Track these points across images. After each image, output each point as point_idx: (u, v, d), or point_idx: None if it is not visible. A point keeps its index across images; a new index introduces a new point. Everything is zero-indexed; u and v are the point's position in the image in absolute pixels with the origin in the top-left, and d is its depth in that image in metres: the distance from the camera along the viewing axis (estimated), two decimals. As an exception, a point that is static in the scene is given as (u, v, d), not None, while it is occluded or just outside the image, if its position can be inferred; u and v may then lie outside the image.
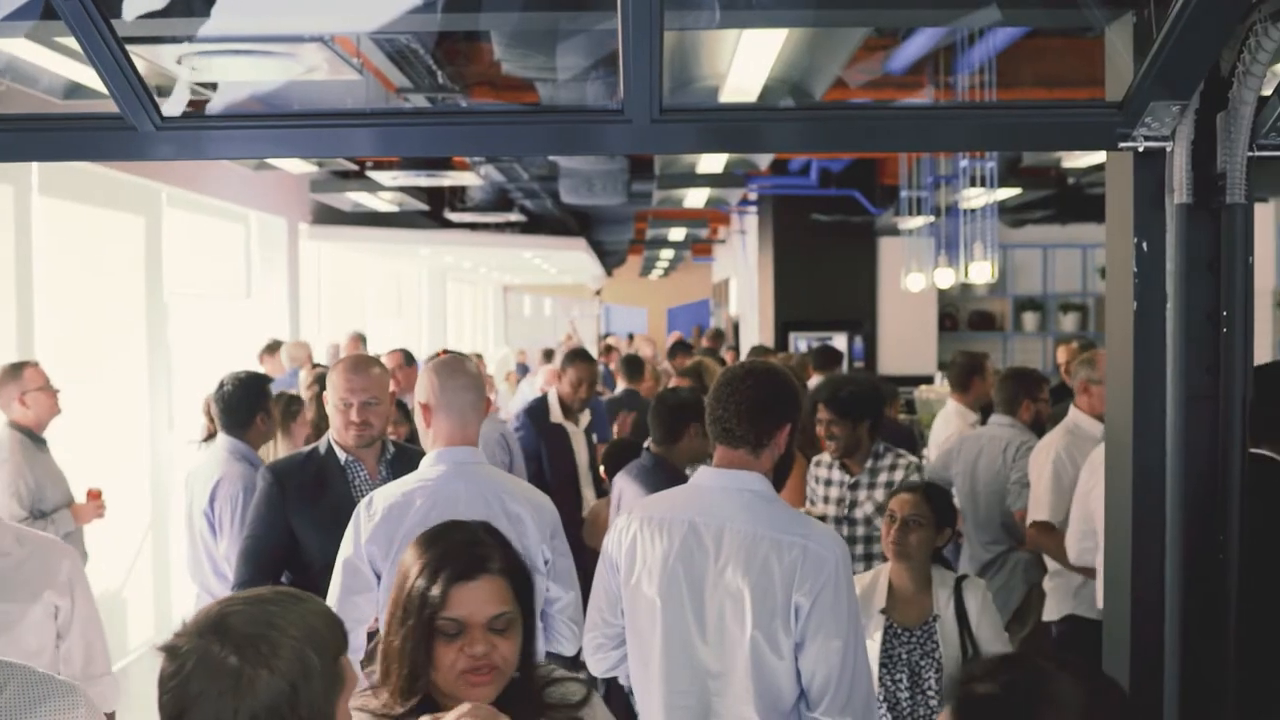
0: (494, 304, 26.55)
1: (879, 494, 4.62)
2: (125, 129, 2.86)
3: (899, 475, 4.70)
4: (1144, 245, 2.95)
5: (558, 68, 5.64)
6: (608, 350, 16.67)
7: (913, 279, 12.04)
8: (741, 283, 19.76)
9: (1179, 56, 2.63)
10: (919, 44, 7.41)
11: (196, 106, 4.60)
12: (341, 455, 3.96)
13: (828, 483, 4.87)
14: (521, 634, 2.17)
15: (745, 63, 5.32)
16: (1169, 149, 2.87)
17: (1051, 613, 5.24)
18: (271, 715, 1.61)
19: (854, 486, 4.75)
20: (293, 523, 3.84)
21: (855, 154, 11.97)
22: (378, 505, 3.36)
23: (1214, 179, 2.85)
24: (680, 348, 13.43)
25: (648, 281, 33.16)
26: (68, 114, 3.10)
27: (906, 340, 14.59)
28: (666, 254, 24.48)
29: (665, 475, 4.57)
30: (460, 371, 3.51)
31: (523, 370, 18.26)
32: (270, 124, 3.01)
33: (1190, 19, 2.52)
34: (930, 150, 9.80)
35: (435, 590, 2.09)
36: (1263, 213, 12.36)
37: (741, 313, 19.89)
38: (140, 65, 4.54)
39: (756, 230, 16.84)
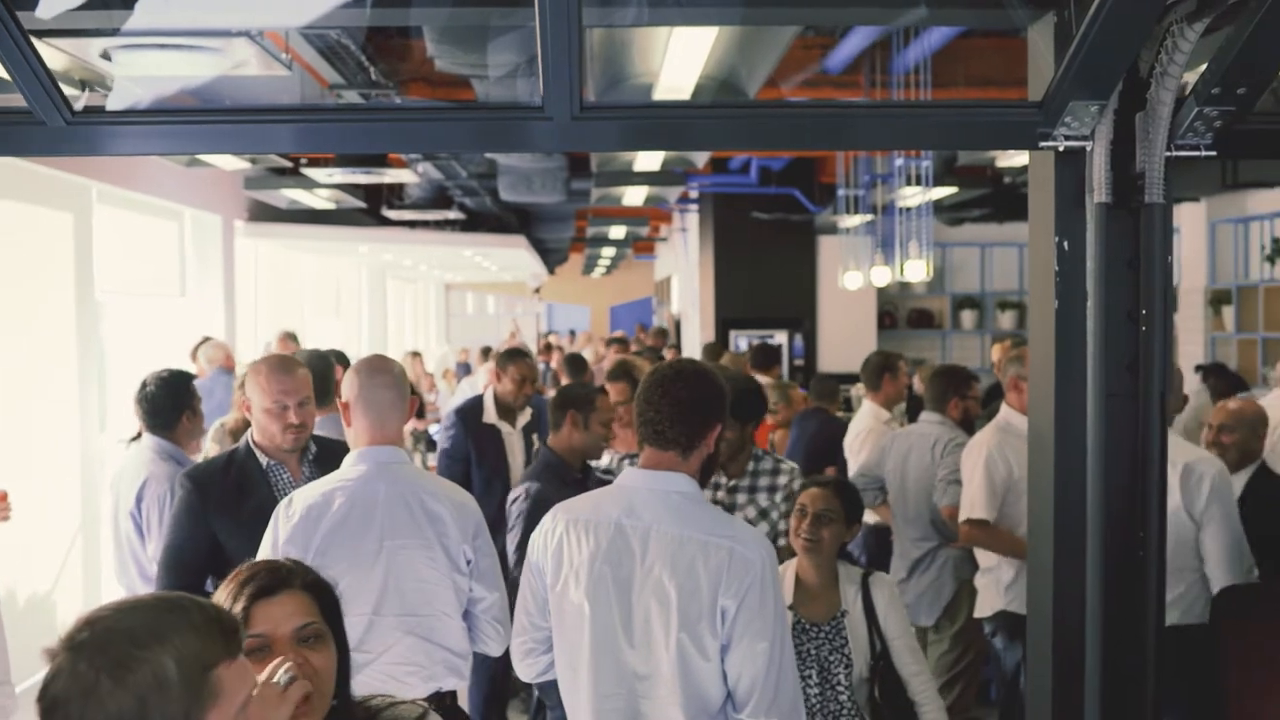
0: (435, 302, 26.39)
1: (761, 498, 4.58)
2: (34, 124, 2.80)
3: (781, 480, 4.68)
4: (1065, 244, 2.97)
5: (489, 64, 5.59)
6: (547, 349, 16.60)
7: (850, 277, 12.09)
8: (683, 281, 19.77)
9: (1097, 57, 2.65)
10: (854, 44, 7.45)
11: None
12: (263, 459, 3.88)
13: None
14: (335, 654, 2.15)
15: (676, 60, 5.31)
16: (1089, 149, 2.90)
17: (983, 609, 5.28)
18: None
19: (733, 490, 4.71)
20: (215, 529, 3.74)
21: (783, 152, 11.99)
22: (297, 505, 3.33)
23: (1133, 178, 2.88)
24: (616, 345, 13.43)
25: (590, 279, 33.14)
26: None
27: (846, 338, 14.65)
28: (608, 252, 24.42)
29: (543, 465, 4.69)
30: (380, 370, 3.48)
31: (464, 369, 18.15)
32: (184, 119, 2.95)
33: (1108, 19, 2.54)
34: (851, 149, 9.86)
35: (238, 608, 2.09)
36: (1194, 212, 12.55)
37: (683, 310, 19.91)
38: (62, 60, 4.46)
39: (697, 228, 16.87)
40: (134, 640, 1.58)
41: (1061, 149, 2.91)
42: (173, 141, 3.09)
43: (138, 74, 4.84)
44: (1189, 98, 2.77)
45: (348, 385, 3.47)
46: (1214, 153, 2.85)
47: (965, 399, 5.77)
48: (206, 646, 1.64)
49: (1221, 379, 8.39)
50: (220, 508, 3.77)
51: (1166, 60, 2.72)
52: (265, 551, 3.29)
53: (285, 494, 3.68)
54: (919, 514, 5.68)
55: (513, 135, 2.90)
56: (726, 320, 14.92)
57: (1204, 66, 2.72)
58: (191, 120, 3.00)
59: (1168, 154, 2.82)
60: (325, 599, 2.17)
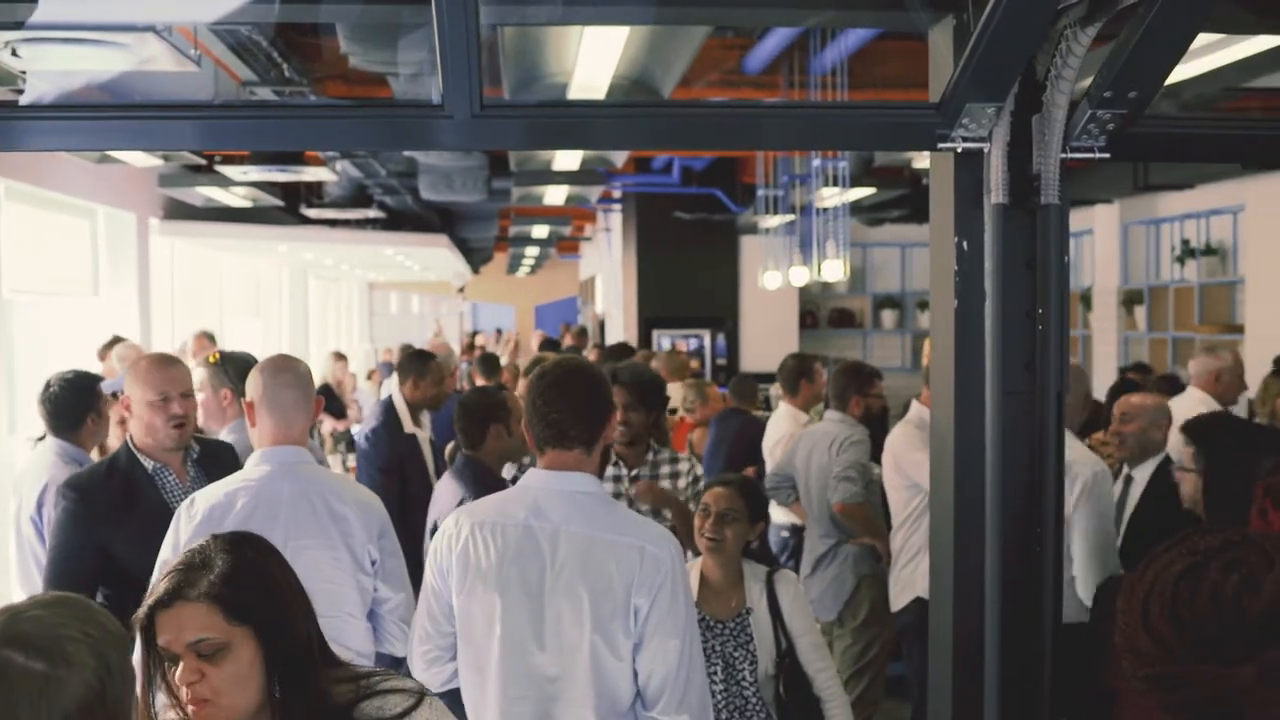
0: (359, 302, 26.14)
1: (664, 485, 4.63)
2: (-78, 119, 2.73)
3: (682, 467, 4.73)
4: (964, 244, 3.01)
5: (400, 62, 5.55)
6: (470, 348, 16.51)
7: (769, 277, 12.15)
8: (607, 280, 19.78)
9: (993, 59, 2.69)
10: (772, 45, 7.49)
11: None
12: (148, 463, 3.79)
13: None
14: (253, 653, 2.10)
15: (589, 60, 5.31)
16: (986, 150, 2.94)
17: (900, 600, 5.32)
18: (83, 714, 1.60)
19: (635, 479, 4.73)
20: (104, 539, 3.63)
21: (702, 151, 12.02)
22: (199, 506, 3.29)
23: (1030, 180, 2.92)
24: (547, 345, 13.38)
25: (515, 279, 33.00)
26: None
27: (768, 337, 14.73)
28: (532, 251, 24.36)
29: (471, 474, 4.54)
30: (285, 369, 3.45)
31: (388, 369, 17.97)
32: (84, 115, 2.90)
33: (1002, 22, 2.58)
34: (754, 149, 9.89)
35: (142, 613, 2.09)
36: (1107, 213, 12.78)
37: (607, 310, 19.91)
38: (-38, 54, 4.35)
39: (621, 228, 16.88)
40: (64, 629, 1.61)
41: (959, 150, 2.95)
42: (74, 138, 3.04)
43: (44, 69, 4.75)
44: (1083, 101, 2.82)
45: (252, 385, 3.43)
46: (1107, 155, 2.90)
47: (867, 396, 5.83)
48: (119, 633, 1.69)
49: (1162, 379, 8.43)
50: (108, 516, 3.66)
51: (1060, 63, 2.77)
52: (166, 554, 3.24)
53: (175, 496, 3.62)
54: (822, 511, 5.75)
55: (413, 133, 2.89)
56: (650, 320, 14.95)
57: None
58: (91, 116, 2.94)
59: (1063, 156, 2.87)
60: (234, 605, 2.09)
